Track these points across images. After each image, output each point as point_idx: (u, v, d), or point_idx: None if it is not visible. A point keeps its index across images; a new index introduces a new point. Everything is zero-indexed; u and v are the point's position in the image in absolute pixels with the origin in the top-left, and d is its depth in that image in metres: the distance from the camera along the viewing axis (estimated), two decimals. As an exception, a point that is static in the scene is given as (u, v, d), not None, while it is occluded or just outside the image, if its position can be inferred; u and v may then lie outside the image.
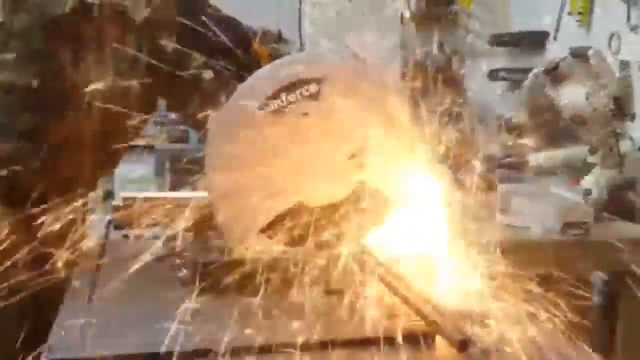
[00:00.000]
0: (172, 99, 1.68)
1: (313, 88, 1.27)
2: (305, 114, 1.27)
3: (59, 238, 1.31)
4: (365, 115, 1.29)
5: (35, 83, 1.40)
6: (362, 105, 1.29)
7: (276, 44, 1.57)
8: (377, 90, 1.35)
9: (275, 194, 1.27)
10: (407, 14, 5.42)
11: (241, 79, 1.34)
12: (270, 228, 1.27)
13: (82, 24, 1.42)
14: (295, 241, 1.27)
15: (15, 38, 1.42)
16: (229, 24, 1.57)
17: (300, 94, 1.27)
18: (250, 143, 1.27)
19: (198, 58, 1.48)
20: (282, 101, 1.27)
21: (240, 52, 1.50)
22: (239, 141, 1.28)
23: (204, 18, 1.46)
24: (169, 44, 1.46)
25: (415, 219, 1.39)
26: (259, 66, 1.38)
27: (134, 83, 1.48)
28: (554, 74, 2.30)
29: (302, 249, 1.26)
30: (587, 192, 2.00)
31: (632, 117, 2.33)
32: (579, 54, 2.28)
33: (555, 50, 4.15)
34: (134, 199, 1.74)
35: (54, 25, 1.41)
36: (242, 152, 1.27)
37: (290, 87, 1.27)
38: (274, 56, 1.48)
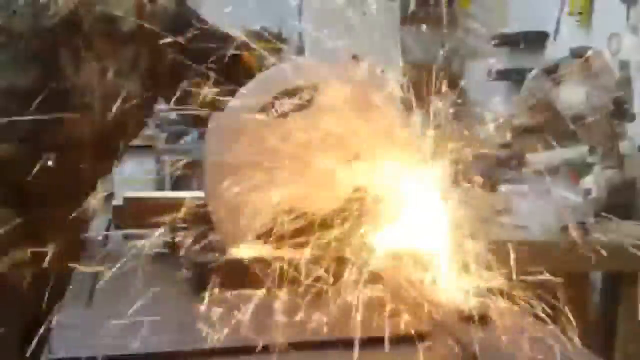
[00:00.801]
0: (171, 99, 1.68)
1: (308, 95, 1.28)
2: (301, 120, 1.27)
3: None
4: (362, 120, 1.29)
5: (34, 85, 1.40)
6: (357, 110, 1.29)
7: (276, 43, 1.56)
8: (373, 94, 1.36)
9: (272, 199, 1.27)
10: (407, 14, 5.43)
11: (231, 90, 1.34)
12: (265, 233, 1.27)
13: (73, 34, 1.42)
14: (293, 246, 1.27)
15: (13, 40, 1.42)
16: (217, 37, 1.57)
17: (296, 101, 1.28)
18: (248, 146, 1.27)
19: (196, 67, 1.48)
20: (279, 107, 1.27)
21: (230, 64, 1.50)
22: (236, 144, 1.28)
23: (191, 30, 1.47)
24: (167, 50, 1.45)
25: (415, 218, 1.39)
26: (250, 76, 1.38)
27: (133, 83, 1.48)
28: (554, 74, 2.30)
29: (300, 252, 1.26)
30: (587, 192, 2.00)
31: (632, 117, 2.33)
32: (579, 54, 2.29)
33: (555, 50, 4.15)
34: (134, 199, 1.74)
35: (46, 33, 1.41)
36: (239, 155, 1.27)
37: (286, 94, 1.27)
38: (263, 66, 1.48)
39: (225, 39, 1.55)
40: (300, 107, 1.28)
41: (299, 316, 1.09)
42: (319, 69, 1.39)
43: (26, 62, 1.41)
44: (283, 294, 1.18)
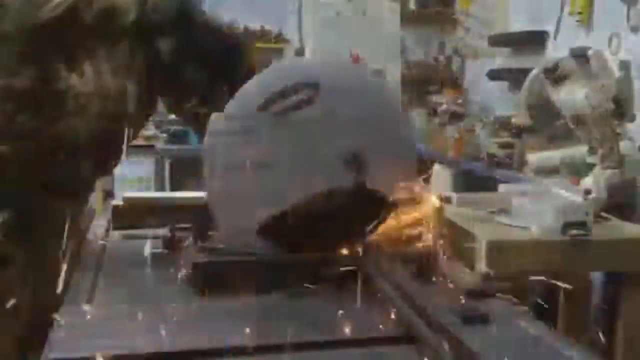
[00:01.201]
0: (171, 99, 1.68)
1: (309, 92, 1.28)
2: (303, 117, 1.27)
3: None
4: (363, 117, 1.29)
5: (31, 85, 1.40)
6: (358, 107, 1.29)
7: (276, 43, 1.56)
8: (374, 92, 1.36)
9: (272, 196, 1.27)
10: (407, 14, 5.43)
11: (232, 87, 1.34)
12: (267, 230, 1.27)
13: (70, 29, 1.42)
14: (293, 243, 1.27)
15: (7, 41, 1.42)
16: (221, 34, 1.56)
17: (297, 98, 1.28)
18: (248, 145, 1.27)
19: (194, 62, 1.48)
20: (280, 105, 1.28)
21: (231, 61, 1.50)
22: (237, 142, 1.28)
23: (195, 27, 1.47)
24: (164, 46, 1.45)
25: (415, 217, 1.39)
26: (251, 73, 1.38)
27: (133, 83, 1.48)
28: (554, 74, 2.29)
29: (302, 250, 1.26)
30: (587, 192, 2.00)
31: (632, 117, 2.33)
32: (579, 54, 2.28)
33: (555, 50, 4.15)
34: (134, 199, 1.74)
35: (40, 30, 1.41)
36: (240, 153, 1.27)
37: (287, 92, 1.28)
38: (263, 64, 1.48)
39: (228, 35, 1.54)
40: (300, 106, 1.28)
41: (298, 316, 1.09)
42: (319, 67, 1.39)
43: (22, 61, 1.41)
44: (281, 295, 1.19)
